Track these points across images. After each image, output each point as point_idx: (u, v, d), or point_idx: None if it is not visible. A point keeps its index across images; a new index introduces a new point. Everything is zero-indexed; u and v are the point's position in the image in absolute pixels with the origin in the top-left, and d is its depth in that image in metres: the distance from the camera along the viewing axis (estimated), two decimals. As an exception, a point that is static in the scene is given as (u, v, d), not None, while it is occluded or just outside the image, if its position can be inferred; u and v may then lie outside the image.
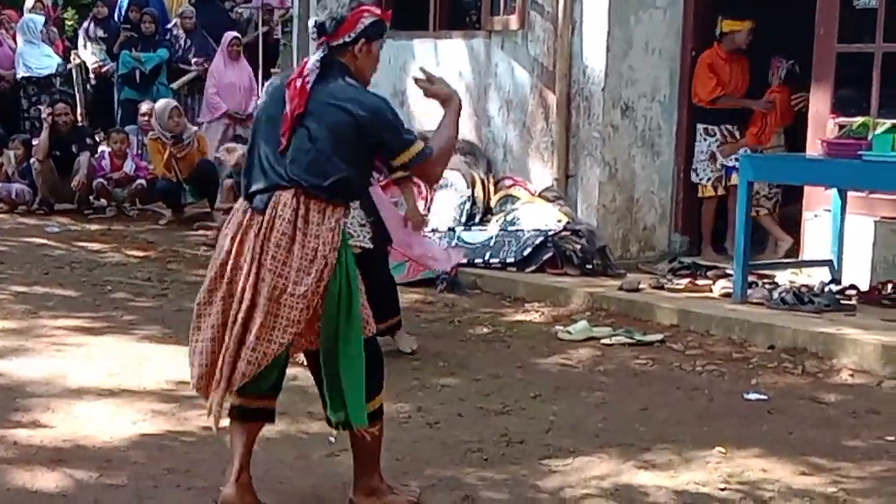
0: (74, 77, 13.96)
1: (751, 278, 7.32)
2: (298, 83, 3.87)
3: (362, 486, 4.12)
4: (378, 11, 4.05)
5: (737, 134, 8.59)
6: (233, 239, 3.91)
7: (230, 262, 3.89)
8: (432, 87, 4.10)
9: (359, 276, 3.94)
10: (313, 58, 3.94)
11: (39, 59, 13.18)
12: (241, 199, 4.01)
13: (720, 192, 8.60)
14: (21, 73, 13.01)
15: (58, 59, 13.45)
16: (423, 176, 4.25)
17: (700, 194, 8.71)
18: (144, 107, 11.68)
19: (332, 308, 3.83)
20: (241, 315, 3.83)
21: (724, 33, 8.47)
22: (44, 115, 11.45)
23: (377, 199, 5.88)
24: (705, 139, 8.59)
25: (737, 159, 7.89)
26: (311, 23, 4.11)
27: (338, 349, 3.84)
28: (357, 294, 3.89)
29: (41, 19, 13.55)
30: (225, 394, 3.88)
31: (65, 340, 6.44)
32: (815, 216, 7.80)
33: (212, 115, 12.00)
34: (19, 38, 13.20)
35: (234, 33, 12.29)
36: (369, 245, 5.80)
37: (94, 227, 10.56)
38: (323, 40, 3.95)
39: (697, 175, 8.66)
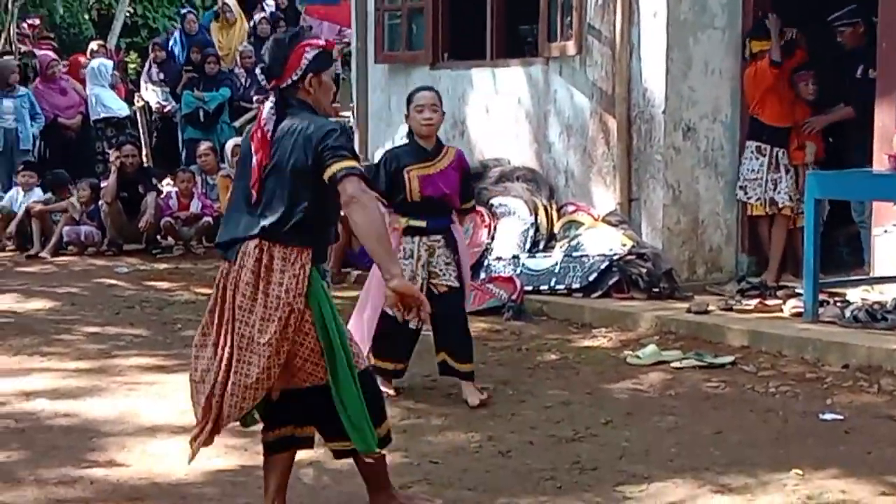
0: (139, 119, 14.22)
1: (821, 297, 7.22)
2: (259, 134, 3.92)
3: (379, 502, 4.25)
4: (321, 42, 4.04)
5: (784, 158, 8.46)
6: (216, 286, 4.02)
7: (216, 309, 4.01)
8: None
9: (336, 316, 3.97)
10: (267, 105, 3.97)
11: (116, 101, 13.47)
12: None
13: (769, 211, 8.49)
14: (99, 114, 13.26)
15: (126, 105, 13.76)
16: (344, 194, 3.82)
17: (750, 213, 8.62)
18: (203, 147, 11.89)
19: (316, 351, 3.93)
20: (223, 363, 3.93)
21: (755, 54, 8.40)
22: (111, 159, 11.65)
23: (458, 237, 5.97)
24: (757, 158, 8.48)
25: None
26: (258, 70, 4.16)
27: (333, 388, 3.95)
28: (335, 333, 3.94)
29: (110, 63, 13.85)
30: (211, 436, 4.04)
31: (137, 379, 6.51)
32: (885, 232, 7.69)
33: None
34: (89, 83, 13.47)
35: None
36: (455, 284, 5.93)
37: (162, 266, 10.69)
38: (273, 84, 3.98)
39: (746, 194, 8.55)
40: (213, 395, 3.96)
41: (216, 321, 4.00)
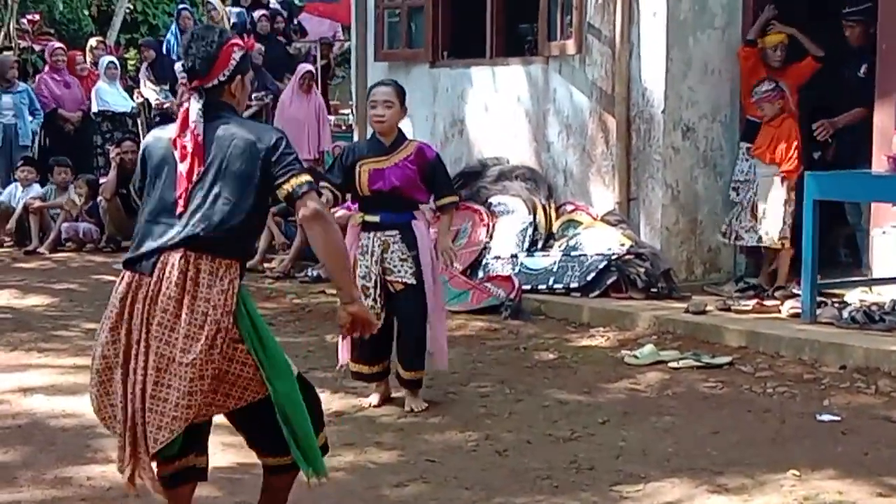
0: (139, 115, 14.22)
1: (819, 298, 7.22)
2: (189, 140, 3.63)
3: None
4: (242, 42, 3.81)
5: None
6: (122, 301, 3.64)
7: (122, 328, 3.64)
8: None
9: (263, 326, 3.71)
10: (194, 108, 3.68)
11: (116, 97, 13.46)
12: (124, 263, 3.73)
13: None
14: (97, 107, 13.25)
15: (132, 102, 13.74)
16: (302, 209, 3.63)
17: None
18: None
19: (252, 368, 3.64)
20: (138, 388, 3.59)
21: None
22: (112, 155, 11.65)
23: (419, 233, 5.77)
24: (746, 160, 8.46)
25: None
26: (177, 67, 3.92)
27: (277, 402, 3.66)
28: (270, 342, 3.69)
29: (108, 58, 13.87)
30: (149, 467, 3.67)
31: (135, 376, 6.49)
32: (884, 233, 7.69)
33: None
34: (102, 76, 13.54)
35: (308, 67, 12.18)
36: (411, 280, 5.71)
37: (160, 263, 10.66)
38: (196, 84, 3.70)
39: (738, 195, 8.52)
40: (133, 423, 3.61)
41: (123, 340, 3.62)
